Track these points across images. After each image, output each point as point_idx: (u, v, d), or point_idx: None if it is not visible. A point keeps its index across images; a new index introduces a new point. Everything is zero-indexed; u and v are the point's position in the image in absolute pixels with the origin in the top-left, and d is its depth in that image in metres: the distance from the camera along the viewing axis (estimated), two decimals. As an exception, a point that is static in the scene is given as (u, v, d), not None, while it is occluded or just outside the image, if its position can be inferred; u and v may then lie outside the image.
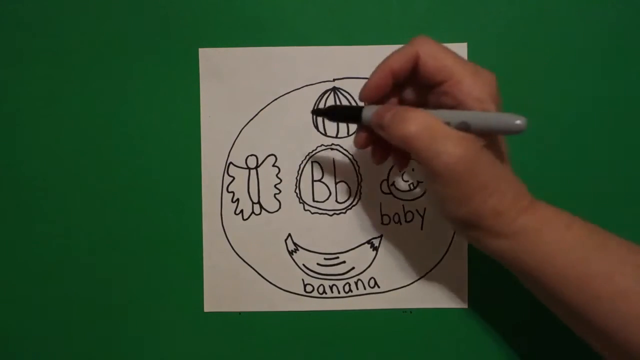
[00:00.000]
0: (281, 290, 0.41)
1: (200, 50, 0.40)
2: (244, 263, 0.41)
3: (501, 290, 0.40)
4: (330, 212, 0.41)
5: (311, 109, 0.40)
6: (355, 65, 0.40)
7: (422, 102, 0.32)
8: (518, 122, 0.27)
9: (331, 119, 0.36)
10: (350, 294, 0.41)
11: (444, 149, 0.28)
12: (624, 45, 0.40)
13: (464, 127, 0.29)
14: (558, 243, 0.29)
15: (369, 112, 0.32)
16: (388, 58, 0.31)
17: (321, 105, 0.40)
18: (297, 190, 0.41)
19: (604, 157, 0.40)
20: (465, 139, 0.28)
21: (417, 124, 0.28)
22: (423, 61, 0.30)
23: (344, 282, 0.41)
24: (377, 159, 0.35)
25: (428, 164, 0.29)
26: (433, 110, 0.29)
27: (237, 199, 0.41)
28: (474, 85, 0.29)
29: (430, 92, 0.31)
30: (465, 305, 0.41)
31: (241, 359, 0.41)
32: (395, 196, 0.41)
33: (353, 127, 0.41)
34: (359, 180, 0.41)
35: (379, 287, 0.41)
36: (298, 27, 0.40)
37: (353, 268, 0.41)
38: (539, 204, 0.30)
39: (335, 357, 0.41)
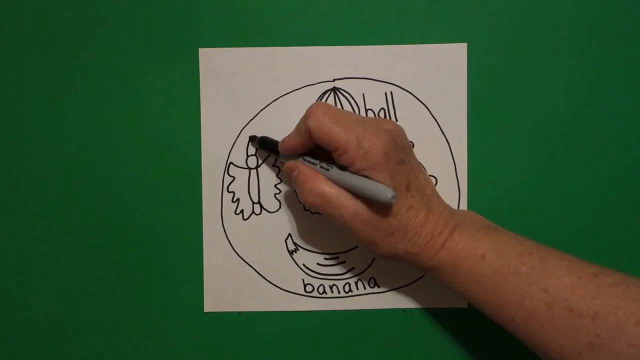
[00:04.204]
0: (281, 290, 0.41)
1: (200, 50, 0.40)
2: (244, 263, 0.41)
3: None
4: (330, 212, 0.41)
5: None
6: (355, 65, 0.40)
7: (331, 158, 0.34)
8: (388, 196, 0.31)
9: (260, 147, 0.40)
10: (350, 294, 0.41)
11: (337, 212, 0.33)
12: (625, 45, 0.40)
13: (349, 189, 0.33)
14: (473, 274, 0.33)
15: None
16: (291, 133, 0.36)
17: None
18: (297, 190, 0.41)
19: (605, 156, 0.40)
20: (354, 199, 0.33)
21: (312, 195, 0.34)
22: (313, 135, 0.33)
23: (344, 282, 0.41)
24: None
25: (332, 222, 0.34)
26: (328, 172, 0.34)
27: (238, 199, 0.41)
28: (356, 155, 0.32)
29: (332, 154, 0.34)
30: (465, 305, 0.41)
31: (241, 359, 0.41)
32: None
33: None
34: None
35: (379, 287, 0.41)
36: (298, 27, 0.40)
37: (353, 268, 0.41)
38: (457, 237, 0.33)
39: (335, 357, 0.41)
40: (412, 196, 0.33)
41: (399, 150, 0.33)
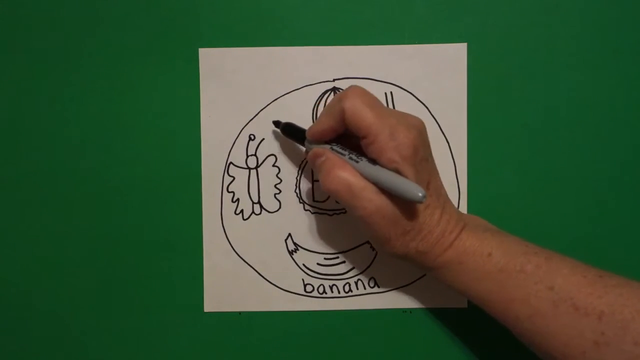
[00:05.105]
0: (281, 290, 0.41)
1: (200, 50, 0.40)
2: (244, 263, 0.41)
3: (501, 290, 0.40)
4: (330, 212, 0.41)
5: (311, 109, 0.40)
6: (355, 65, 0.40)
7: (359, 146, 0.34)
8: (419, 195, 0.30)
9: (285, 134, 0.39)
10: (350, 294, 0.41)
11: (360, 204, 0.32)
12: (625, 45, 0.40)
13: (378, 184, 0.32)
14: (478, 272, 0.33)
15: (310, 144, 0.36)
16: (321, 116, 0.35)
17: (321, 106, 0.40)
18: (297, 190, 0.41)
19: (605, 156, 0.40)
20: (379, 194, 0.32)
21: (337, 183, 0.32)
22: (347, 117, 0.32)
23: (344, 282, 0.41)
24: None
25: (350, 213, 0.34)
26: (357, 164, 0.33)
27: (237, 199, 0.41)
28: (387, 145, 0.31)
29: (360, 141, 0.33)
30: (465, 305, 0.41)
31: (241, 359, 0.41)
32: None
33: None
34: (359, 180, 0.41)
35: (379, 287, 0.41)
36: (298, 27, 0.40)
37: (353, 268, 0.41)
38: (464, 236, 0.34)
39: (335, 357, 0.41)
40: (430, 195, 0.33)
41: (425, 147, 0.33)
